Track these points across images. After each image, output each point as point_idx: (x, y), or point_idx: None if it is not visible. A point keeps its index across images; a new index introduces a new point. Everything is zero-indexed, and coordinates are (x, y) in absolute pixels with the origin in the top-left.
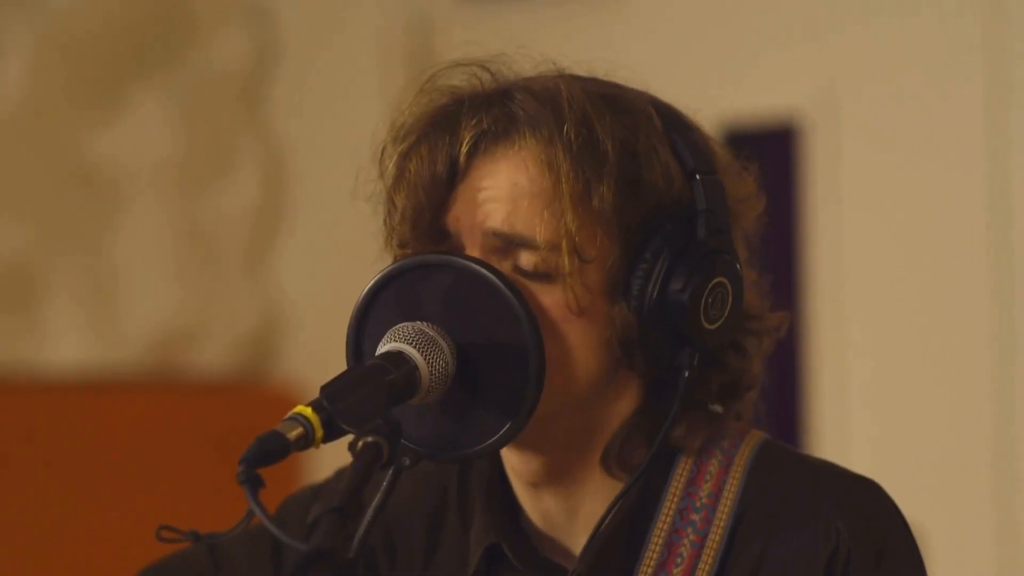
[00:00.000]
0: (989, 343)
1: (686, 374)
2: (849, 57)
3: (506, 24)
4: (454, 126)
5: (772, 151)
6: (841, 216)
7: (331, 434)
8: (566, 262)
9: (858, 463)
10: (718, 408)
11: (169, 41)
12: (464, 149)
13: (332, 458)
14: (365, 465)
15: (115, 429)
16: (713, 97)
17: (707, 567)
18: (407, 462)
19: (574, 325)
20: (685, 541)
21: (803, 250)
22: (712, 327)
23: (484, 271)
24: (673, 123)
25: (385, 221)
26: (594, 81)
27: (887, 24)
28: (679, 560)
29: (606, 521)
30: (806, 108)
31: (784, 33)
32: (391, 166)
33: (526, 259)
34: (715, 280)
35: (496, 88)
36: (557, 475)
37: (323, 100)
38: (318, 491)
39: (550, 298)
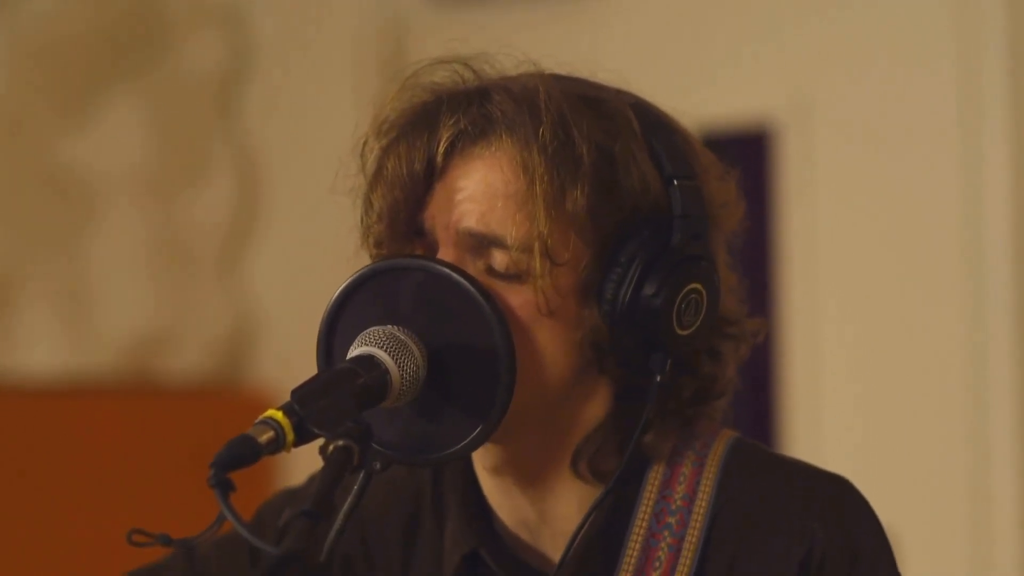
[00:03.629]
0: (963, 345)
1: (658, 379)
2: (821, 60)
3: (480, 29)
4: (433, 125)
5: (745, 155)
6: (815, 219)
7: (302, 438)
8: (537, 264)
9: (832, 465)
10: (688, 414)
11: (143, 46)
12: (441, 148)
13: (305, 462)
14: (336, 469)
15: (89, 434)
16: (686, 102)
17: (685, 569)
18: (378, 466)
19: (543, 326)
20: (662, 544)
21: (777, 253)
22: (685, 333)
23: (455, 275)
24: (653, 126)
25: (361, 219)
26: (574, 82)
27: (858, 27)
28: (657, 564)
29: (582, 530)
30: (779, 112)
31: (756, 37)
32: (371, 161)
33: (499, 259)
34: (689, 286)
35: (476, 87)
36: (524, 469)
37: (297, 105)
38: (292, 496)
39: (520, 298)
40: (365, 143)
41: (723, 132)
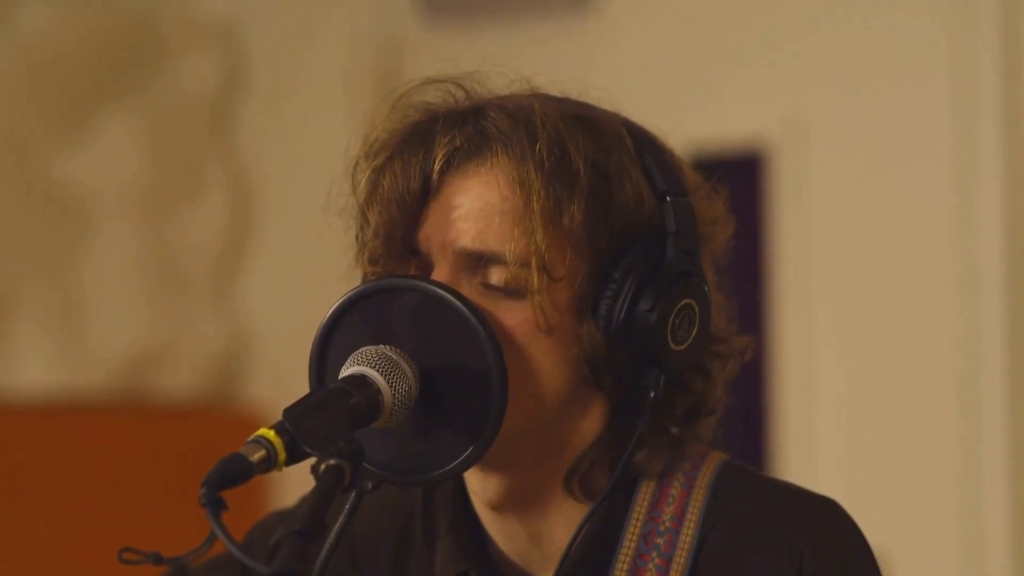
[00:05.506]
0: (956, 364)
1: (652, 394)
2: (815, 82)
3: (475, 47)
4: (428, 143)
5: (739, 177)
6: (809, 241)
7: (294, 457)
8: (535, 279)
9: (825, 486)
10: (677, 431)
11: (138, 64)
12: (437, 166)
13: (297, 481)
14: (327, 488)
15: (81, 452)
16: (680, 123)
17: None
18: (369, 486)
19: (541, 343)
20: (650, 565)
21: (770, 276)
22: (679, 348)
23: (447, 295)
24: (645, 144)
25: (357, 237)
26: (567, 101)
27: (852, 49)
28: None
29: (572, 548)
30: (773, 135)
31: (749, 59)
32: (364, 182)
33: (496, 275)
34: (683, 301)
35: (470, 105)
36: (520, 498)
37: (291, 124)
38: (284, 517)
39: (519, 315)
40: (356, 165)
41: (717, 154)
